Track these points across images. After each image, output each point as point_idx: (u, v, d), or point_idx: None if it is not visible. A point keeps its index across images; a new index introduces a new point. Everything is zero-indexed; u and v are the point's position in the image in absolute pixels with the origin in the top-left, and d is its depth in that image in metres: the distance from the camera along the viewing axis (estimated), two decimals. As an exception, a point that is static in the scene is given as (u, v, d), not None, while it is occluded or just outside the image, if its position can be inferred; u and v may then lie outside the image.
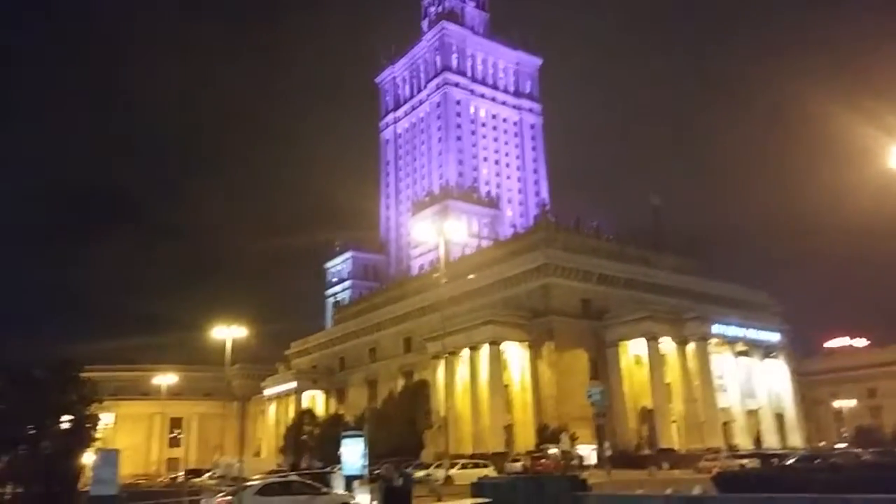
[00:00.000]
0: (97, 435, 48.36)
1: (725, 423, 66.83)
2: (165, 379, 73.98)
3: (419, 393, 71.23)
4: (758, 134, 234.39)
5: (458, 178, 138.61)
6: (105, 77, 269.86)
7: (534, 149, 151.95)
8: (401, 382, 77.96)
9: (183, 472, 65.40)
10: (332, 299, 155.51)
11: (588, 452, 54.36)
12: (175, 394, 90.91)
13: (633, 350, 68.59)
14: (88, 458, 46.58)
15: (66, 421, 45.92)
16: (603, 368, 67.45)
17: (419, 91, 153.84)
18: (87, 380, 47.88)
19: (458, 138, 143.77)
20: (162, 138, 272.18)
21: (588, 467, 48.97)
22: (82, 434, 46.81)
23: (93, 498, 40.46)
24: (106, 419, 55.45)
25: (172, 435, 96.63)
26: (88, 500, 39.57)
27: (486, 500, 22.27)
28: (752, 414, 70.14)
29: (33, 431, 44.48)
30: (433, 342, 73.29)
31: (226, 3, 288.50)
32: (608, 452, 52.25)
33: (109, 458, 47.66)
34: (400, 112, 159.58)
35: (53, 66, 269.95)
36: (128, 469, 53.54)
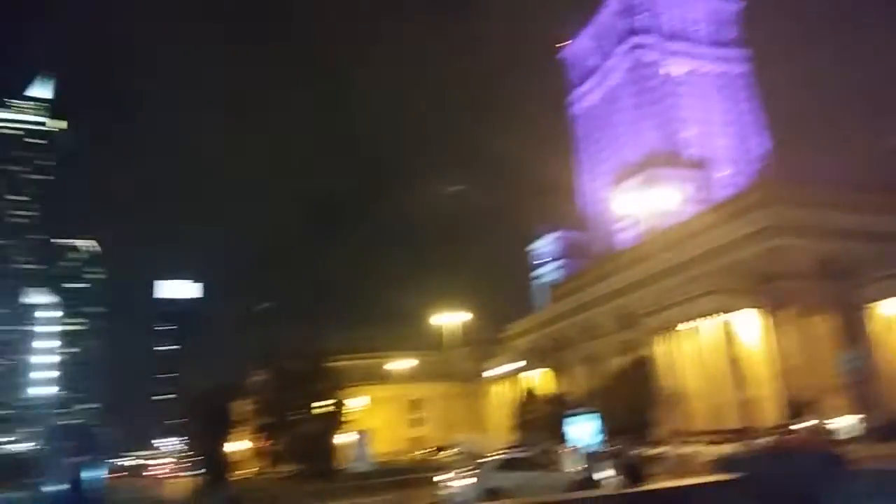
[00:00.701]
0: (349, 418, 53.75)
1: None
2: (404, 364, 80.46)
3: (641, 369, 69.41)
4: None
5: (659, 144, 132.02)
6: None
7: (743, 100, 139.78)
8: (621, 359, 76.55)
9: (430, 450, 70.94)
10: (539, 280, 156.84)
11: (844, 425, 49.25)
12: (413, 377, 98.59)
13: (890, 311, 60.70)
14: (340, 439, 52.27)
15: (321, 406, 51.74)
16: (852, 333, 60.54)
17: (607, 60, 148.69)
18: (337, 368, 53.68)
19: (656, 102, 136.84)
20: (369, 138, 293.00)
21: (845, 441, 44.41)
22: (335, 418, 52.43)
23: (352, 473, 45.49)
24: (356, 403, 61.62)
25: (414, 416, 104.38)
26: (348, 475, 44.64)
27: (736, 475, 21.26)
28: None
29: (297, 417, 50.87)
30: (652, 317, 71.07)
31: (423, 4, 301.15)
32: (871, 424, 46.96)
33: (363, 438, 53.14)
34: (589, 84, 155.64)
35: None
36: (378, 448, 58.96)
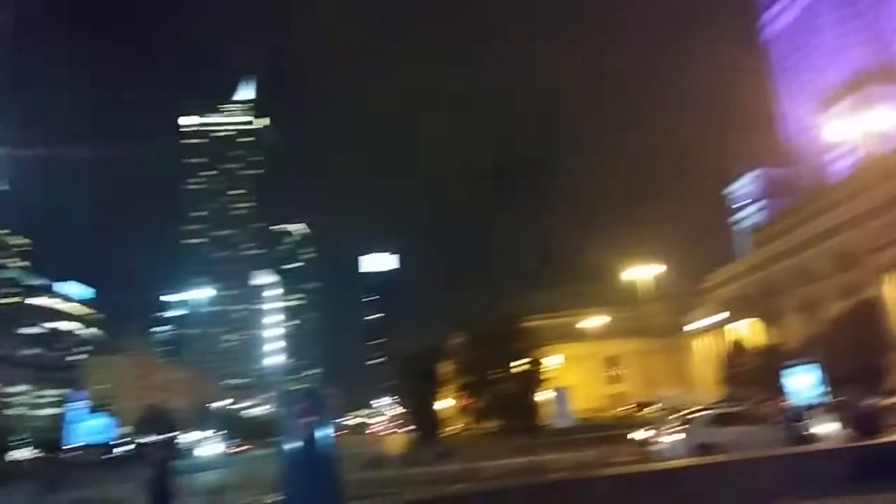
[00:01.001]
0: (546, 376, 54.61)
1: None
2: (598, 321, 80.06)
3: (869, 313, 62.40)
4: None
5: (871, 60, 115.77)
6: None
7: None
8: (842, 303, 69.33)
9: (631, 406, 70.20)
10: (739, 225, 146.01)
11: None
12: (608, 334, 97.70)
13: None
14: (540, 396, 53.32)
15: (518, 365, 53.10)
16: None
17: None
18: (532, 328, 54.65)
19: (862, 13, 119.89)
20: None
21: None
22: (533, 376, 53.54)
23: (554, 429, 46.30)
24: (552, 361, 62.46)
25: (611, 373, 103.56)
26: (551, 431, 45.48)
27: None
28: None
29: (497, 376, 52.71)
30: (878, 254, 63.52)
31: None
32: None
33: (562, 395, 53.76)
34: (782, 3, 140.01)
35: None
36: (577, 405, 59.40)
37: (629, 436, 31.34)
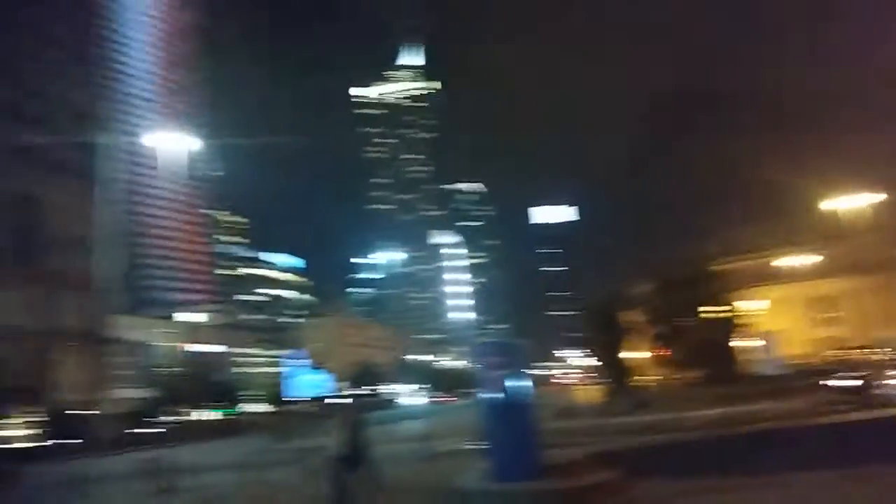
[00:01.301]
0: (747, 322, 51.17)
1: None
2: (802, 260, 73.46)
3: None
4: None
5: None
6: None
7: None
8: None
9: (852, 349, 63.97)
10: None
11: None
12: (816, 273, 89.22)
13: None
14: (742, 343, 50.22)
15: (713, 311, 50.27)
16: None
17: None
18: (726, 271, 51.26)
19: None
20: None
21: None
22: (731, 322, 50.44)
23: (760, 377, 43.69)
24: (753, 306, 58.55)
25: (822, 315, 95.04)
26: (756, 380, 42.90)
27: None
28: None
29: (689, 323, 50.30)
30: None
31: None
32: None
33: (769, 341, 50.46)
34: None
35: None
36: (785, 350, 55.30)
37: (824, 382, 28.95)
